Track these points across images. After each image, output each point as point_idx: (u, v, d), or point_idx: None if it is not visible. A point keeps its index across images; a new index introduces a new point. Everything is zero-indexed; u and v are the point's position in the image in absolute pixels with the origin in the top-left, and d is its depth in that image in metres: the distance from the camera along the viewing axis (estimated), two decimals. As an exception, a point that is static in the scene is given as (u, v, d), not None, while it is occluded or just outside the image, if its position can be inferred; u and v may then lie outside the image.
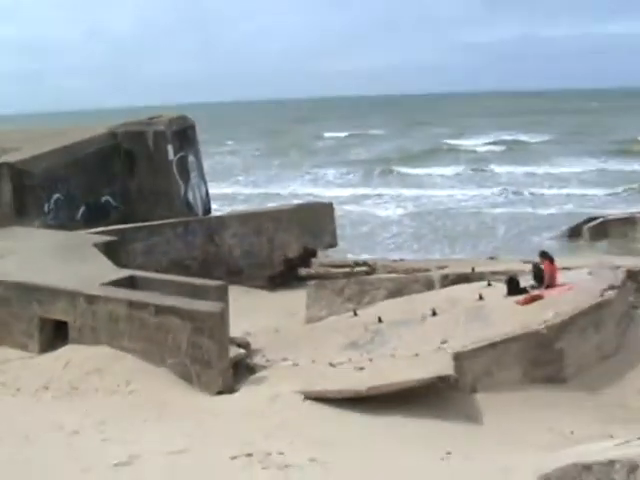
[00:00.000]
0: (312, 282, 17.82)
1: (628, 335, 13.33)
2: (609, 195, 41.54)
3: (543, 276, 14.19)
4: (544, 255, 14.58)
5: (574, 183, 46.90)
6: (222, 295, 13.34)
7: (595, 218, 32.00)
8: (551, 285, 14.06)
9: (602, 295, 13.14)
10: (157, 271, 16.31)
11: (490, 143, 75.16)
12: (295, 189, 49.16)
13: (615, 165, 54.80)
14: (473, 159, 61.83)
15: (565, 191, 43.27)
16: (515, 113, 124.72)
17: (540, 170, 53.03)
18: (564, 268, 15.07)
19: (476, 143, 75.69)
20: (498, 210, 38.40)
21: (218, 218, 22.49)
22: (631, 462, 5.66)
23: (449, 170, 55.12)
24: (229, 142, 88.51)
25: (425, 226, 35.12)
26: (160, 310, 12.15)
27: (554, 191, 43.53)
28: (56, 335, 13.33)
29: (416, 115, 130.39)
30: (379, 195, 45.64)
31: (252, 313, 17.30)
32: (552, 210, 37.79)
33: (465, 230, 33.76)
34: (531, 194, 43.01)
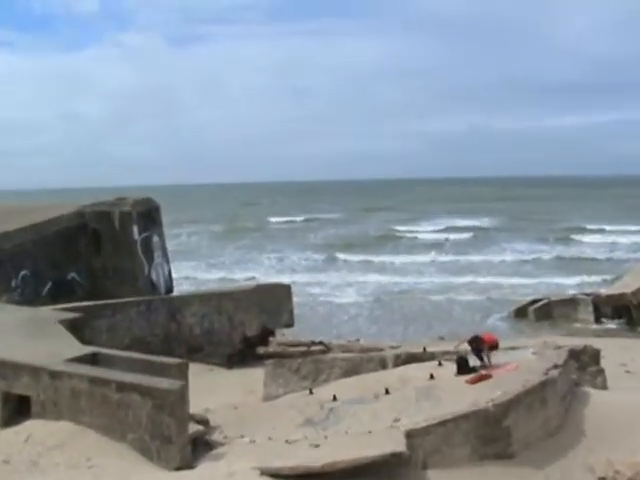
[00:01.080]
0: (270, 361, 17.69)
1: (572, 412, 13.43)
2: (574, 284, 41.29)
3: (481, 356, 14.32)
4: (474, 341, 14.46)
5: (529, 269, 47.49)
6: (182, 373, 13.26)
7: (540, 300, 32.59)
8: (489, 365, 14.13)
9: (546, 374, 13.27)
10: (120, 348, 16.17)
11: (444, 230, 76.20)
12: (255, 272, 49.23)
13: (566, 251, 55.76)
14: (428, 245, 62.61)
15: (525, 281, 43.23)
16: (466, 199, 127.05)
17: (496, 257, 53.86)
18: (510, 348, 15.28)
19: (430, 229, 76.71)
20: (452, 295, 38.80)
21: (180, 297, 22.42)
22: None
23: (404, 257, 55.68)
24: (192, 223, 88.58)
25: (381, 309, 35.36)
26: (121, 387, 12.05)
27: (515, 280, 43.63)
28: (19, 410, 13.09)
29: (370, 200, 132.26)
30: (337, 279, 45.87)
31: (211, 390, 17.16)
32: (509, 295, 38.17)
33: (420, 313, 34.08)
34: (489, 282, 43.20)
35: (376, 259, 54.65)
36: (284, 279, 42.45)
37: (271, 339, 22.25)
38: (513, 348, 15.56)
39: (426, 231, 74.72)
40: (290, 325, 23.45)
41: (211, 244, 68.72)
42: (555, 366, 13.67)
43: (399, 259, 54.63)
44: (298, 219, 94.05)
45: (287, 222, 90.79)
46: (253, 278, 44.01)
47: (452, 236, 69.48)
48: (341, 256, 56.23)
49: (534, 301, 32.68)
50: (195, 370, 15.76)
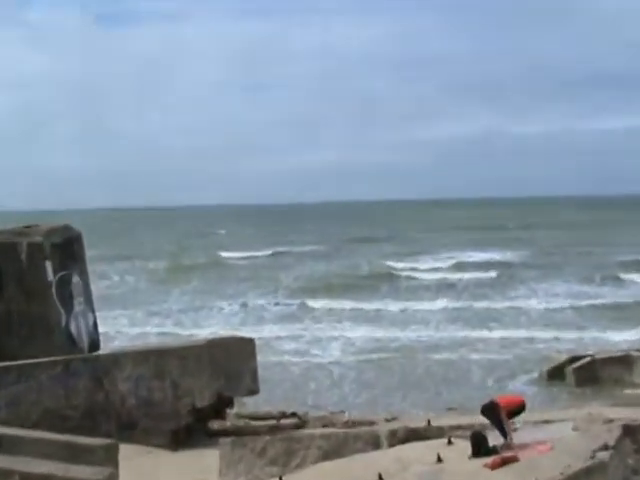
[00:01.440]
0: (227, 439, 17.67)
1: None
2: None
3: (503, 428, 14.30)
4: (489, 410, 14.55)
5: (566, 318, 47.79)
6: (111, 457, 13.12)
7: (581, 357, 32.52)
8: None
9: (593, 457, 13.17)
10: (26, 426, 15.96)
11: (454, 267, 76.78)
12: (209, 323, 49.42)
13: (615, 294, 56.20)
14: (434, 287, 62.71)
15: (562, 334, 43.10)
16: (482, 226, 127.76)
17: (524, 303, 54.06)
18: (543, 421, 15.26)
19: (437, 265, 76.85)
20: (466, 352, 38.92)
21: (109, 356, 22.08)
22: None
23: (404, 304, 55.63)
24: (125, 259, 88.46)
25: (372, 370, 35.45)
26: (27, 479, 11.89)
27: (549, 332, 43.52)
28: None
29: (359, 229, 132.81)
30: (316, 331, 45.90)
31: (150, 479, 16.98)
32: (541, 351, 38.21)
33: (424, 375, 34.22)
34: (514, 335, 43.14)
35: (367, 306, 54.49)
36: (246, 332, 42.46)
37: (229, 411, 21.95)
38: (547, 421, 15.48)
39: (432, 269, 74.90)
40: (254, 392, 23.12)
41: (151, 287, 68.56)
42: (605, 447, 13.50)
43: (397, 306, 54.56)
44: (263, 253, 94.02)
45: (249, 257, 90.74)
46: (208, 332, 43.73)
47: (465, 275, 69.80)
48: (320, 302, 56.15)
49: (574, 359, 32.51)
50: (129, 453, 15.60)
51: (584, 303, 53.17)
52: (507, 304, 53.73)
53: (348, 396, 30.95)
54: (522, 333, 43.43)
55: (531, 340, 41.35)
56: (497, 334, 43.27)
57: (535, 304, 53.40)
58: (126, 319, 50.28)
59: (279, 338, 43.20)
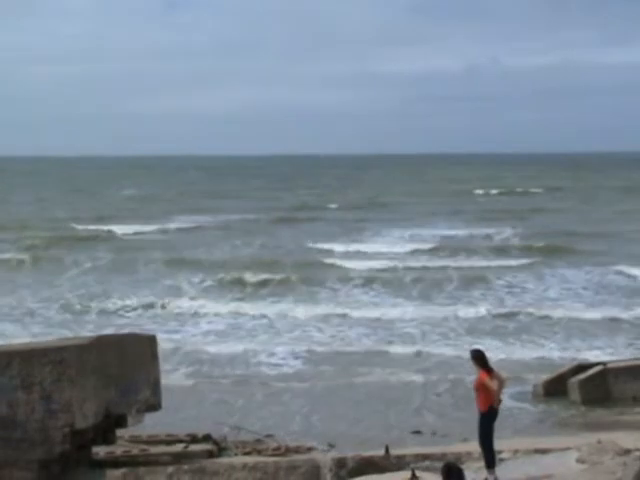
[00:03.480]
0: (117, 472, 17.95)
1: None
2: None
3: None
4: (478, 358, 16.66)
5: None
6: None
7: (589, 366, 32.29)
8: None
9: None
10: None
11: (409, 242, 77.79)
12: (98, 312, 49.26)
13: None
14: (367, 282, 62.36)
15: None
16: (449, 192, 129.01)
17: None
18: (539, 451, 15.27)
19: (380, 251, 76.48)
20: (431, 349, 39.55)
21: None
22: None
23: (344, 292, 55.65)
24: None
25: (313, 379, 35.45)
26: None
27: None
28: None
29: (285, 193, 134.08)
30: (243, 318, 46.90)
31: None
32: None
33: (381, 388, 34.09)
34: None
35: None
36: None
37: (120, 433, 21.83)
38: (543, 451, 15.51)
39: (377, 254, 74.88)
40: (155, 407, 22.71)
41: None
42: (618, 484, 13.47)
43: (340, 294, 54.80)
44: (148, 229, 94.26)
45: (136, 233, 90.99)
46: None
47: (422, 251, 72.13)
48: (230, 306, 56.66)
49: (580, 368, 32.35)
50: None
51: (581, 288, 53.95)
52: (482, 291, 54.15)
53: (281, 414, 30.80)
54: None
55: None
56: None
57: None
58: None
59: (189, 333, 43.94)
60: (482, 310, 50.20)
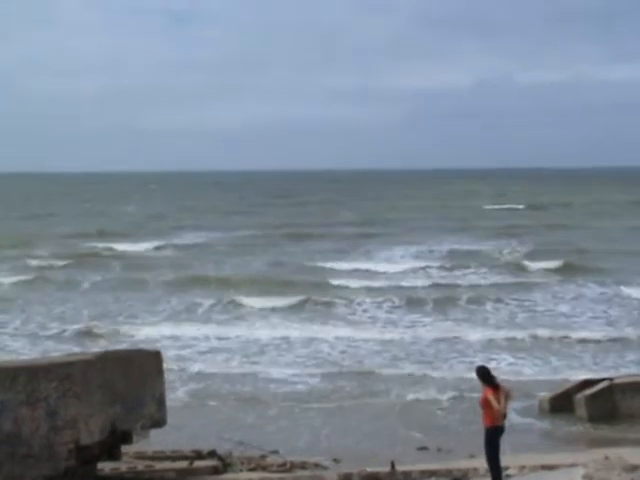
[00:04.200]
0: None
1: None
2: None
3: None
4: (483, 375, 16.80)
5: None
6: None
7: (595, 381, 32.22)
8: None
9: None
10: None
11: (419, 258, 77.21)
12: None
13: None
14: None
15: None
16: (459, 210, 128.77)
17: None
18: (545, 467, 14.99)
19: (398, 264, 76.51)
20: (438, 374, 38.90)
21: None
22: None
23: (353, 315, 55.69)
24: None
25: (322, 399, 35.29)
26: None
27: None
28: None
29: (290, 211, 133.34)
30: (250, 334, 46.80)
31: None
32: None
33: (388, 406, 34.00)
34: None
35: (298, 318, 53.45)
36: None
37: (125, 448, 21.84)
38: (549, 467, 15.42)
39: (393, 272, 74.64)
40: (160, 423, 22.72)
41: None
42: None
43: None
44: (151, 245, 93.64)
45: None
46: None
47: (432, 267, 71.43)
48: (244, 300, 57.31)
49: (585, 384, 32.29)
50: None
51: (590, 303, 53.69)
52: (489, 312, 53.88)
53: (286, 430, 30.78)
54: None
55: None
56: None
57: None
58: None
59: (194, 349, 44.00)
60: (493, 327, 50.70)
